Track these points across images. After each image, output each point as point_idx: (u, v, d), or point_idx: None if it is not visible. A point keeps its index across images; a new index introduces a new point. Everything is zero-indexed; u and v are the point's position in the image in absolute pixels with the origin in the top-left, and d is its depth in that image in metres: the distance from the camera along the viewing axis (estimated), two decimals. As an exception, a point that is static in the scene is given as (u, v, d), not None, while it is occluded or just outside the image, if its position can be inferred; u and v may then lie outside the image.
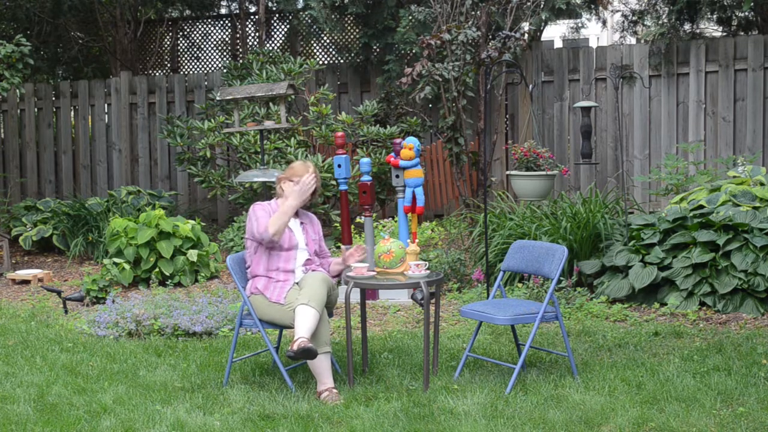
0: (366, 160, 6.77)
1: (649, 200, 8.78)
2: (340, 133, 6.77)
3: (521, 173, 6.86)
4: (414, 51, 9.03)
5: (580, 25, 10.88)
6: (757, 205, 6.35)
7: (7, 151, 11.09)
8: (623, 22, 10.17)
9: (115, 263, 7.25)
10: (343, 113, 8.90)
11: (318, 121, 8.64)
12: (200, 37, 12.80)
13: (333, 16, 9.36)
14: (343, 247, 6.57)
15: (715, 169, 7.89)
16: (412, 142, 6.53)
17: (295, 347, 4.27)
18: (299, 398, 4.42)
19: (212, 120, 8.88)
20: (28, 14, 11.31)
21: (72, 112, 10.97)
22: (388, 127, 8.81)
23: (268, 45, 11.53)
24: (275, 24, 12.10)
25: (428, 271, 4.74)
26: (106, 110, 10.83)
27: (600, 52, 9.22)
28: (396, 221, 7.40)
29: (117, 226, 7.54)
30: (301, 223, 4.86)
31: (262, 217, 4.69)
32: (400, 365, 4.97)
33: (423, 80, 8.05)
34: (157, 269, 7.38)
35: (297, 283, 4.65)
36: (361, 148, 8.69)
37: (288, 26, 11.89)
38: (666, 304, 6.10)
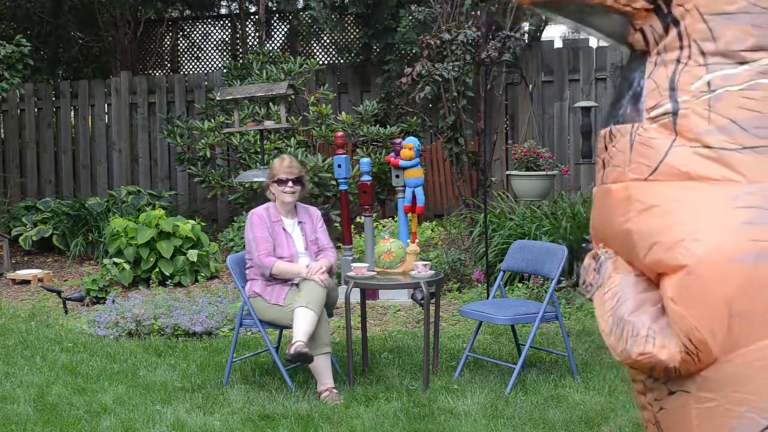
0: (366, 160, 6.77)
1: (649, 200, 8.77)
2: (340, 133, 6.77)
3: (521, 173, 6.86)
4: (414, 51, 9.03)
5: (580, 25, 10.87)
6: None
7: (7, 151, 11.09)
8: (623, 22, 10.16)
9: (115, 263, 7.24)
10: (343, 113, 8.90)
11: (318, 121, 8.64)
12: (200, 37, 12.81)
13: (333, 16, 9.36)
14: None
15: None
16: (412, 142, 6.53)
17: (291, 351, 4.27)
18: (299, 398, 4.42)
19: (212, 120, 8.88)
20: (28, 14, 11.32)
21: (72, 112, 10.97)
22: (388, 127, 8.81)
23: (268, 45, 11.53)
24: (275, 24, 12.10)
25: (433, 272, 4.74)
26: (106, 110, 10.83)
27: (600, 52, 9.21)
28: (396, 221, 7.40)
29: (117, 226, 7.54)
30: (299, 222, 4.80)
31: (261, 241, 4.62)
32: (400, 365, 4.97)
33: (423, 80, 8.05)
34: (157, 269, 7.38)
35: (296, 284, 4.65)
36: (361, 148, 8.69)
37: (288, 26, 11.90)
38: (666, 304, 6.08)
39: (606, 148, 2.13)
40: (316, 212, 4.89)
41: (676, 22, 1.93)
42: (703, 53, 1.90)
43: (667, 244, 1.88)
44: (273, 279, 4.64)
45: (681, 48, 1.93)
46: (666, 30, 1.95)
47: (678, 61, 1.93)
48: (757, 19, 1.86)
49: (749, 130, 1.84)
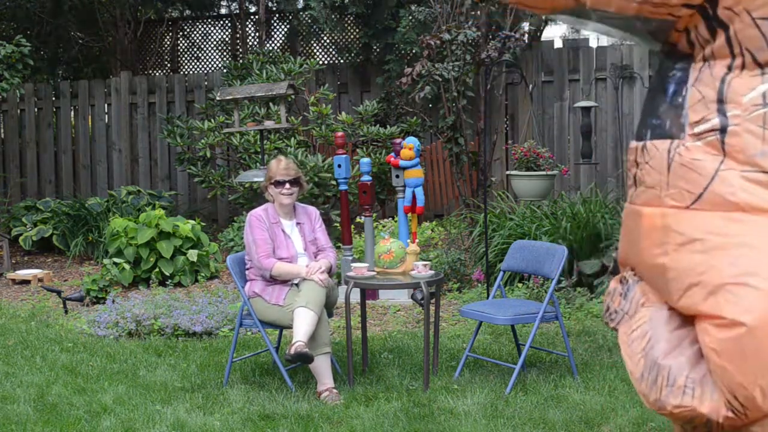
0: (366, 160, 6.77)
1: (649, 200, 8.76)
2: (340, 133, 6.77)
3: (521, 173, 6.86)
4: (414, 51, 9.03)
5: (580, 25, 10.86)
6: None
7: (7, 151, 11.09)
8: (623, 22, 10.15)
9: (115, 263, 7.24)
10: (343, 113, 8.90)
11: (318, 121, 8.64)
12: (200, 37, 12.81)
13: (333, 16, 9.36)
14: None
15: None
16: (412, 142, 6.53)
17: (292, 351, 4.27)
18: (299, 398, 4.42)
19: (212, 120, 8.88)
20: (28, 14, 11.32)
21: (72, 112, 10.97)
22: (388, 127, 8.81)
23: (268, 45, 11.53)
24: (275, 24, 12.10)
25: (433, 272, 4.74)
26: (106, 110, 10.83)
27: (600, 52, 9.21)
28: (396, 221, 7.40)
29: (117, 226, 7.54)
30: (298, 223, 4.80)
31: (261, 242, 4.62)
32: (400, 365, 4.97)
33: (423, 80, 8.05)
34: (157, 269, 7.38)
35: (296, 284, 4.65)
36: (361, 148, 8.69)
37: (288, 26, 11.90)
38: (666, 304, 6.07)
39: (637, 163, 1.83)
40: (314, 212, 4.88)
41: (724, 26, 1.60)
42: (757, 62, 1.58)
43: (709, 287, 1.57)
44: (273, 279, 4.65)
45: (732, 56, 1.61)
46: (713, 35, 1.62)
47: (729, 69, 1.63)
48: None
49: None
